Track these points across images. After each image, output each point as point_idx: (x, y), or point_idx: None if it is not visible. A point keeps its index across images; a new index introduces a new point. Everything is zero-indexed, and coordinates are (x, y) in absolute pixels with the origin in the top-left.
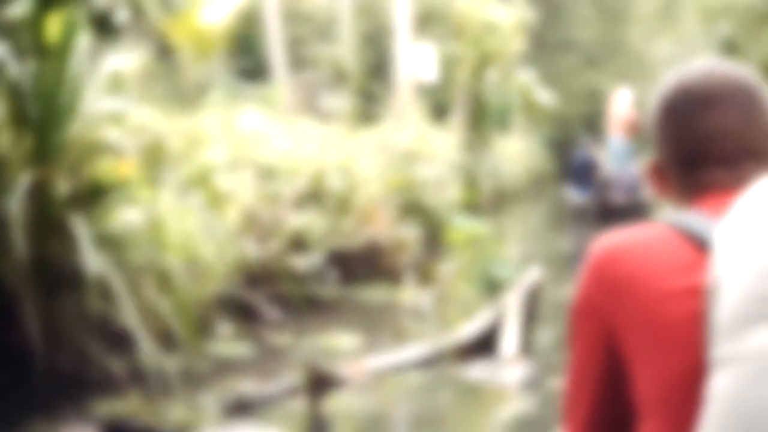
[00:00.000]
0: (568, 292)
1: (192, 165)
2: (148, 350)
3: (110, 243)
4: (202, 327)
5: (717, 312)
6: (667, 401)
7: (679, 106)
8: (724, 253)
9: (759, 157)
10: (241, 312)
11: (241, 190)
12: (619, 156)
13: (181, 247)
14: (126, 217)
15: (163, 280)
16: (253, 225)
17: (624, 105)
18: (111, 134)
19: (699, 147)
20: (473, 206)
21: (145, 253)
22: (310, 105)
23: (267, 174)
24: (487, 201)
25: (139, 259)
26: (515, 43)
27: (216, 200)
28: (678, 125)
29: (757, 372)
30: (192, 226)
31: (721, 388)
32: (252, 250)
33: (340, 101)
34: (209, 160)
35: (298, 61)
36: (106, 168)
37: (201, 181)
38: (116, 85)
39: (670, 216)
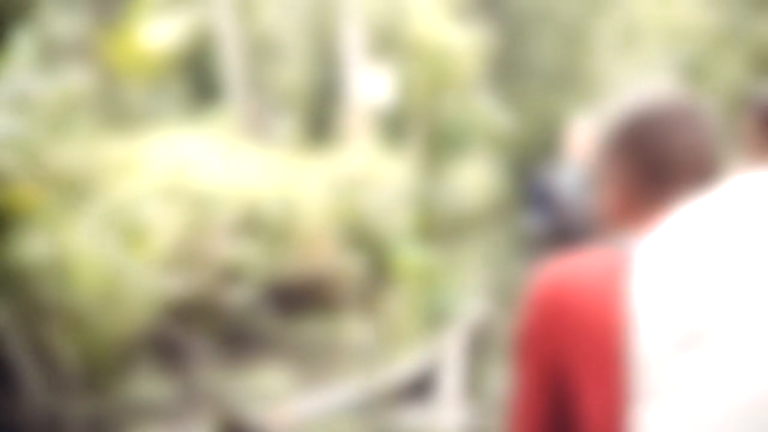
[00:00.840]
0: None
1: (115, 194)
2: (40, 395)
3: (4, 277)
4: (119, 368)
5: (642, 339)
6: (615, 431)
7: (643, 128)
8: (646, 279)
9: (712, 175)
10: (166, 351)
11: (170, 220)
12: (579, 182)
13: (95, 283)
14: (28, 250)
15: (70, 318)
16: (183, 257)
17: (585, 130)
18: (9, 161)
19: (664, 167)
20: (427, 234)
21: (48, 288)
22: (259, 128)
23: (200, 202)
24: (443, 228)
25: (41, 294)
26: (473, 66)
27: (139, 231)
28: (643, 146)
29: (693, 400)
30: (110, 259)
31: (652, 418)
32: (180, 284)
33: (289, 125)
34: (135, 189)
35: (249, 83)
36: (2, 198)
37: (124, 211)
38: (22, 108)
39: (623, 241)
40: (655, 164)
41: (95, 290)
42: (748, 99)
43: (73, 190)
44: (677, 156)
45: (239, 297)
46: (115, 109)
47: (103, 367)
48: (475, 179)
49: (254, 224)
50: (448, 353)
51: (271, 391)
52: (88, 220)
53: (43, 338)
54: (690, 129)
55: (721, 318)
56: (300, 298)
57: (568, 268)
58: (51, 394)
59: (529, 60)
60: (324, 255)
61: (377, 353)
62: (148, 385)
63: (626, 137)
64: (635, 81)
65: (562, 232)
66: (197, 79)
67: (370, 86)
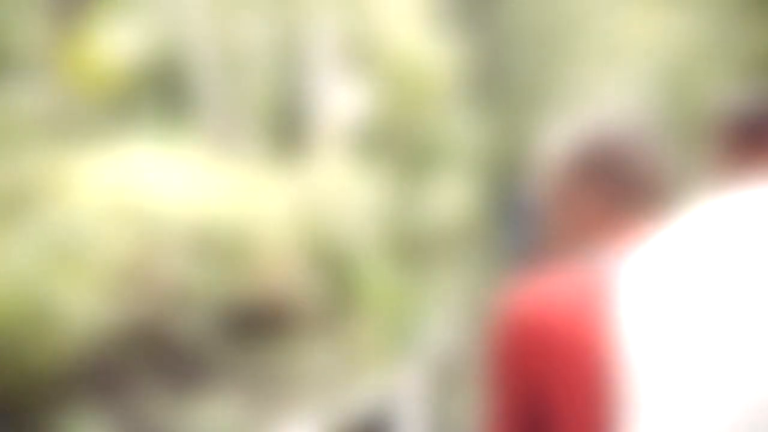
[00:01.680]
0: None
1: (55, 214)
2: None
3: None
4: (47, 404)
5: (631, 360)
6: None
7: (614, 151)
8: (633, 301)
9: (670, 196)
10: (106, 383)
11: (115, 242)
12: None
13: (17, 308)
14: None
15: None
16: (128, 281)
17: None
18: None
19: (633, 188)
20: (399, 255)
21: None
22: (226, 145)
23: (150, 223)
24: (416, 249)
25: None
26: (450, 82)
27: (79, 254)
28: (617, 169)
29: (682, 420)
30: (37, 282)
31: None
32: (123, 309)
33: (257, 141)
34: (78, 209)
35: (217, 98)
36: None
37: (62, 232)
38: None
39: (596, 260)
40: (626, 186)
41: (17, 316)
42: (720, 110)
43: (5, 210)
44: (643, 177)
45: (190, 323)
46: (72, 124)
47: (26, 403)
48: (451, 198)
49: (209, 246)
50: (414, 384)
51: (221, 425)
52: (18, 242)
53: None
54: (646, 152)
55: (709, 336)
56: (257, 324)
57: (542, 290)
58: None
59: (509, 75)
60: (284, 278)
61: (339, 383)
62: (82, 422)
63: (599, 160)
64: (617, 95)
65: (541, 249)
66: (162, 93)
67: (342, 101)
